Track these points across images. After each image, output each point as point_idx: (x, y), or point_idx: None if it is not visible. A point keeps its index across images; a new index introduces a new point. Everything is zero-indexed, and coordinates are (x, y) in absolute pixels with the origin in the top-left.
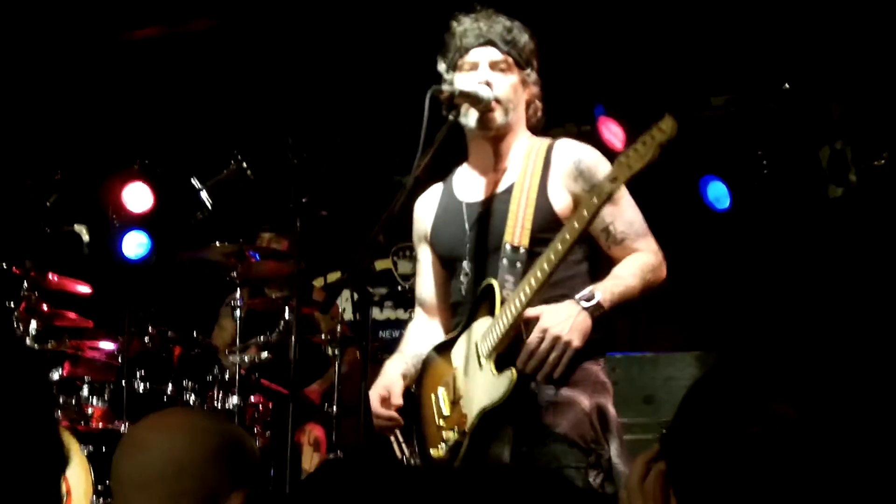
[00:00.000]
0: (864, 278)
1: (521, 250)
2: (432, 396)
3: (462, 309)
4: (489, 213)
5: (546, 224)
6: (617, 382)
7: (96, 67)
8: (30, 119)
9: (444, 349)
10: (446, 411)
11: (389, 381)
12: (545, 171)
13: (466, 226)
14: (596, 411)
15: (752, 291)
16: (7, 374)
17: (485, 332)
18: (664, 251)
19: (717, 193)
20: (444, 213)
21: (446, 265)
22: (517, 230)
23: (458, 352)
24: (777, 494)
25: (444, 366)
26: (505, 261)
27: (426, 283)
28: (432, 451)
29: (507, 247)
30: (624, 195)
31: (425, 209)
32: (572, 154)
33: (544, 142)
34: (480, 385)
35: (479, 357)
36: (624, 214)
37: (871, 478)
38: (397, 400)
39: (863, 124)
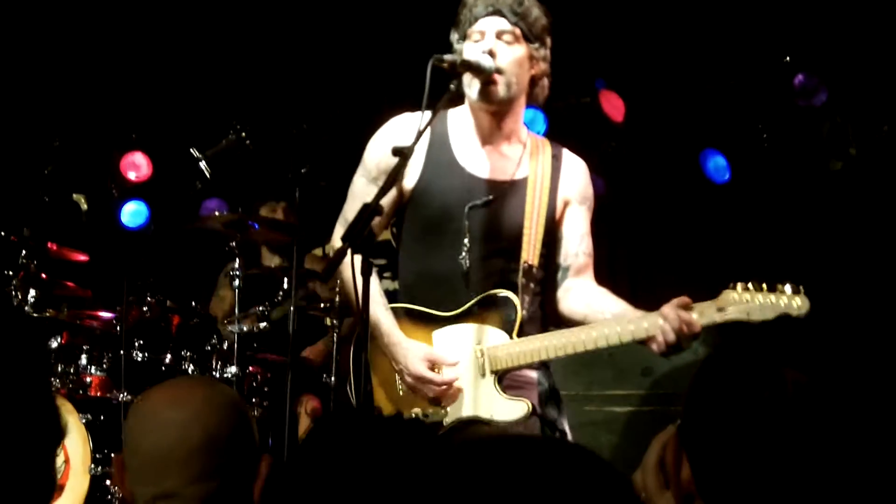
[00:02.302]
0: (864, 252)
1: (534, 270)
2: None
3: (451, 285)
4: (499, 201)
5: (546, 238)
6: (613, 355)
7: (95, 36)
8: (28, 88)
9: (420, 319)
10: None
11: (424, 350)
12: (554, 179)
13: (466, 197)
14: (553, 391)
15: (752, 264)
16: (3, 341)
17: (499, 349)
18: (665, 223)
19: (717, 166)
20: (439, 170)
21: (425, 225)
22: (531, 248)
23: (446, 338)
24: (788, 454)
25: (418, 336)
26: (523, 279)
27: (382, 220)
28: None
29: (526, 265)
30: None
31: (412, 151)
32: (580, 173)
33: (545, 143)
34: (480, 395)
35: (482, 365)
36: (590, 234)
37: (875, 439)
38: (450, 363)
39: (862, 98)
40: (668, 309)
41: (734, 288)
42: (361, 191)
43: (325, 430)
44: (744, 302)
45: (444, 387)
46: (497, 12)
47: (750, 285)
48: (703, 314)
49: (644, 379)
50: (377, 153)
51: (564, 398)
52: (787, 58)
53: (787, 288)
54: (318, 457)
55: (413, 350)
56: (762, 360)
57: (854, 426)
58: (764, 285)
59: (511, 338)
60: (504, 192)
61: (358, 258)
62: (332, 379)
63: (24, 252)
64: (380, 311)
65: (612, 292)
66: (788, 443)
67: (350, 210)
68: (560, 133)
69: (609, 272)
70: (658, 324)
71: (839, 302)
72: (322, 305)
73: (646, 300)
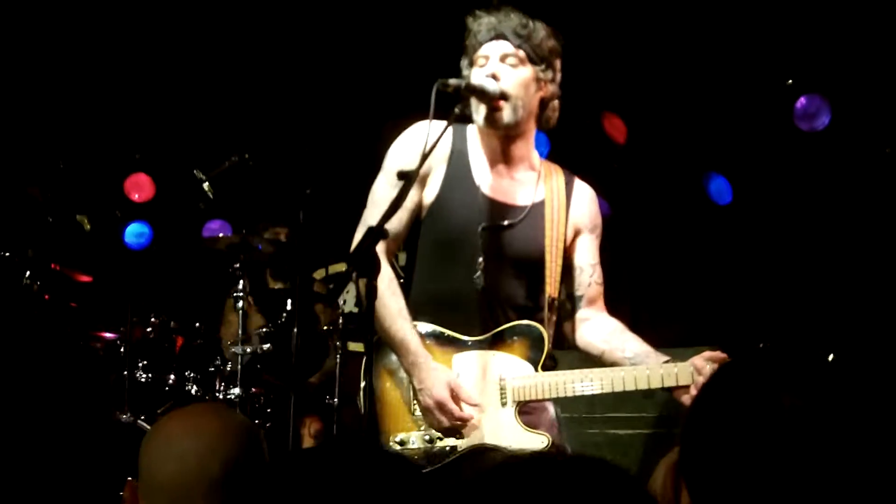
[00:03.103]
0: (865, 273)
1: (555, 303)
2: (413, 379)
3: (466, 307)
4: (518, 227)
5: (563, 269)
6: None
7: (99, 58)
8: (33, 109)
9: (441, 341)
10: None
11: (449, 377)
12: (567, 207)
13: (480, 218)
14: (559, 417)
15: (754, 286)
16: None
17: (523, 380)
18: (668, 244)
19: (720, 188)
20: (458, 186)
21: (438, 243)
22: (552, 283)
23: (467, 363)
24: (786, 482)
25: (436, 358)
26: (547, 312)
27: (402, 220)
28: (397, 436)
29: (550, 299)
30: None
31: (434, 157)
32: (590, 201)
33: (557, 169)
34: (499, 424)
35: (502, 394)
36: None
37: (872, 464)
38: (469, 399)
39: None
40: (702, 362)
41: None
42: (382, 196)
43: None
44: None
45: (460, 423)
46: (500, 36)
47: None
48: (683, 376)
49: (646, 401)
50: (399, 158)
51: (566, 420)
52: (790, 81)
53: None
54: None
55: (439, 374)
56: (759, 387)
57: (853, 452)
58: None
59: (536, 370)
60: (521, 218)
61: (363, 282)
62: (336, 400)
63: (27, 273)
64: (407, 328)
65: (618, 320)
66: (787, 471)
67: (371, 216)
68: (563, 155)
69: (611, 293)
70: (690, 376)
71: (843, 321)
72: (325, 327)
73: (648, 321)
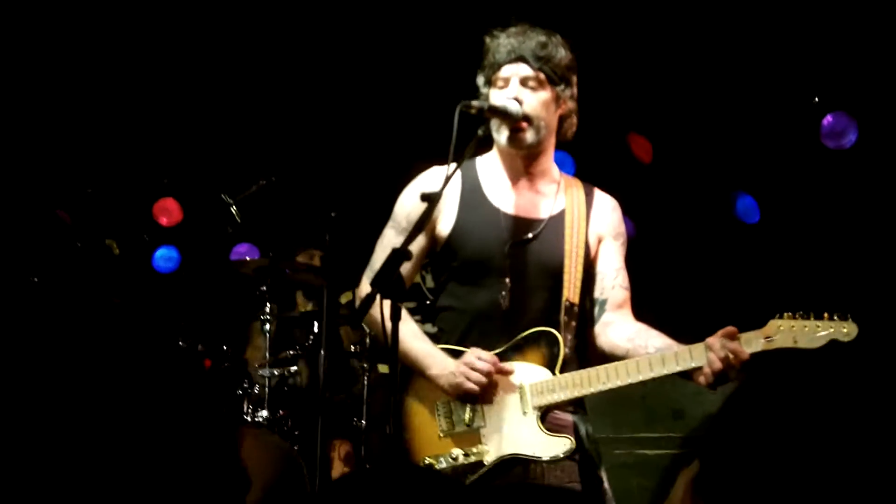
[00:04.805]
0: (889, 290)
1: (574, 308)
2: (436, 403)
3: (491, 324)
4: (539, 238)
5: (584, 276)
6: (645, 397)
7: (126, 83)
8: (61, 136)
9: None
10: (457, 428)
11: (459, 358)
12: (587, 216)
13: (504, 236)
14: (589, 435)
15: (783, 305)
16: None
17: (541, 384)
18: (696, 265)
19: (747, 207)
20: (474, 213)
21: (465, 267)
22: (571, 286)
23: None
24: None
25: None
26: (565, 317)
27: (408, 268)
28: (425, 458)
29: (567, 303)
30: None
31: (444, 198)
32: (612, 209)
33: (577, 182)
34: (522, 432)
35: (522, 402)
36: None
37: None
38: (482, 355)
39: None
40: (714, 339)
41: (780, 317)
42: (390, 242)
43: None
44: (790, 329)
45: (486, 376)
46: (520, 58)
47: (797, 314)
48: (750, 343)
49: (675, 422)
50: (407, 205)
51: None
52: (816, 99)
53: (835, 316)
54: None
55: (448, 359)
56: (776, 410)
57: (868, 477)
58: (811, 313)
59: (553, 374)
60: (542, 229)
61: (387, 303)
62: (363, 422)
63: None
64: (416, 343)
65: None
66: (803, 491)
67: (378, 260)
68: (589, 175)
69: (637, 313)
70: (703, 354)
71: (871, 339)
72: (352, 349)
73: (674, 340)
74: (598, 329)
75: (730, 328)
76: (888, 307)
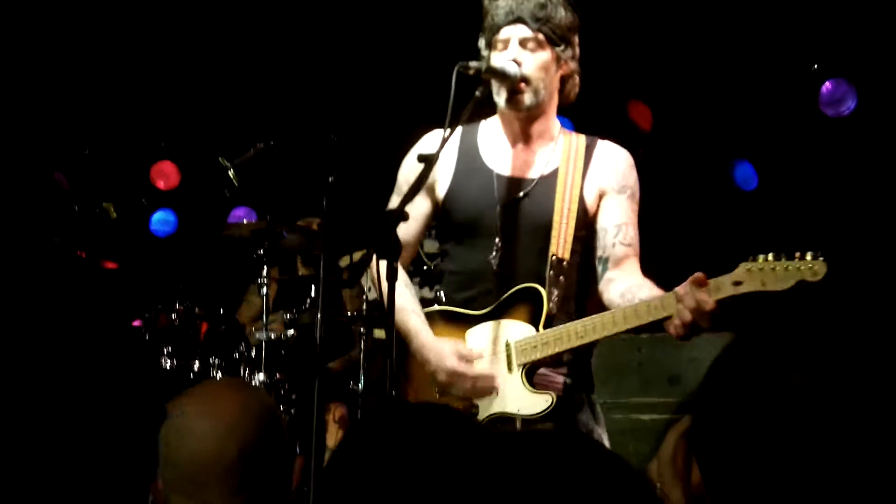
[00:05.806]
0: (892, 260)
1: (564, 263)
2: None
3: (483, 285)
4: (530, 197)
5: (580, 232)
6: (642, 363)
7: (124, 46)
8: (58, 98)
9: (454, 319)
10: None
11: (452, 347)
12: (585, 170)
13: (496, 196)
14: (589, 399)
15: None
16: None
17: (525, 341)
18: (694, 232)
19: (745, 174)
20: (468, 175)
21: (458, 228)
22: (561, 242)
23: (478, 336)
24: (797, 459)
25: (453, 337)
26: (552, 272)
27: (411, 230)
28: None
29: (554, 258)
30: (636, 209)
31: (441, 161)
32: (617, 161)
33: (580, 138)
34: (508, 390)
35: (509, 359)
36: (635, 223)
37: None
38: (476, 355)
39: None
40: (682, 288)
41: (753, 260)
42: (410, 201)
43: (365, 425)
44: (759, 272)
45: (476, 378)
46: (519, 20)
47: (769, 256)
48: (720, 289)
49: (671, 387)
50: (406, 169)
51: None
52: (815, 66)
53: (808, 255)
54: (361, 448)
55: (442, 348)
56: (769, 365)
57: (863, 430)
58: (783, 255)
59: (537, 330)
60: (533, 188)
61: (384, 263)
62: (360, 386)
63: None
64: (410, 316)
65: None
66: (797, 447)
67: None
68: None
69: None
70: (673, 304)
71: (864, 309)
72: (349, 314)
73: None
74: (602, 287)
75: (698, 275)
76: (887, 274)
